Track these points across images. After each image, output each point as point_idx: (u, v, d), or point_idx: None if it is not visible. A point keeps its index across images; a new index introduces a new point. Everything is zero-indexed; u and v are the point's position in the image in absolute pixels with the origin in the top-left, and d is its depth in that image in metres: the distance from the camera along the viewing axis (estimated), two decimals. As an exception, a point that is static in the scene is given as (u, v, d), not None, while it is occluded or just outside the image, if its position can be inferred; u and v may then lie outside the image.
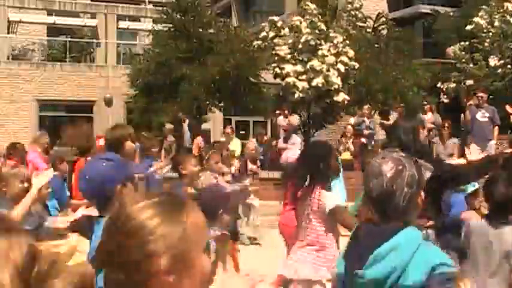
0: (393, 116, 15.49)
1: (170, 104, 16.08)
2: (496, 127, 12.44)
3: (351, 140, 14.92)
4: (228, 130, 15.04)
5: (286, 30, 16.32)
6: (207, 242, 1.35)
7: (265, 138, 16.68)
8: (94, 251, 1.40)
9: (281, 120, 15.16)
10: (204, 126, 17.95)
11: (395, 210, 2.16)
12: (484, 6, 18.60)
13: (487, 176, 4.01)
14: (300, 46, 15.95)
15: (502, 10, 18.09)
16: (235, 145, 14.50)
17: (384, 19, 18.81)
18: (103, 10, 26.13)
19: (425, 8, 24.60)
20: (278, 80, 16.26)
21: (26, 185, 4.18)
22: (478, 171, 4.31)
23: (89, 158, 6.36)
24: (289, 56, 15.81)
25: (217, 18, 17.82)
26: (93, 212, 3.00)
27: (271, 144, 15.40)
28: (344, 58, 15.56)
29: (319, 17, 16.17)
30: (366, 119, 15.18)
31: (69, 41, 26.64)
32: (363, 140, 14.81)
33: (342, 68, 15.49)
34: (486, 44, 18.34)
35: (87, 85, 23.22)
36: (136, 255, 1.24)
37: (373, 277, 2.10)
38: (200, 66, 15.80)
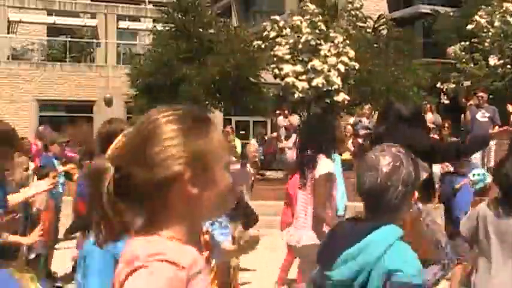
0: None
1: (170, 104, 16.01)
2: (496, 127, 12.43)
3: (351, 140, 14.91)
4: (228, 130, 15.05)
5: (288, 30, 16.32)
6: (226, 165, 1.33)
7: (265, 138, 16.68)
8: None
9: (281, 120, 15.15)
10: (204, 126, 17.90)
11: (387, 207, 2.06)
12: (484, 6, 18.60)
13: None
14: (300, 46, 15.95)
15: (502, 10, 18.09)
16: (235, 145, 14.49)
17: (384, 19, 18.83)
18: (103, 10, 26.15)
19: (425, 8, 24.63)
20: (278, 80, 16.26)
21: (30, 172, 4.82)
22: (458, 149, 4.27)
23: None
24: (288, 56, 15.81)
25: (217, 18, 17.80)
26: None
27: (271, 140, 15.36)
28: (344, 58, 15.56)
29: (320, 17, 16.18)
30: (362, 119, 15.17)
31: (69, 41, 26.67)
32: (359, 140, 14.79)
33: (342, 68, 15.49)
34: (486, 44, 18.34)
35: (87, 85, 23.24)
36: (158, 156, 1.24)
37: (339, 278, 2.01)
38: (200, 66, 15.79)
